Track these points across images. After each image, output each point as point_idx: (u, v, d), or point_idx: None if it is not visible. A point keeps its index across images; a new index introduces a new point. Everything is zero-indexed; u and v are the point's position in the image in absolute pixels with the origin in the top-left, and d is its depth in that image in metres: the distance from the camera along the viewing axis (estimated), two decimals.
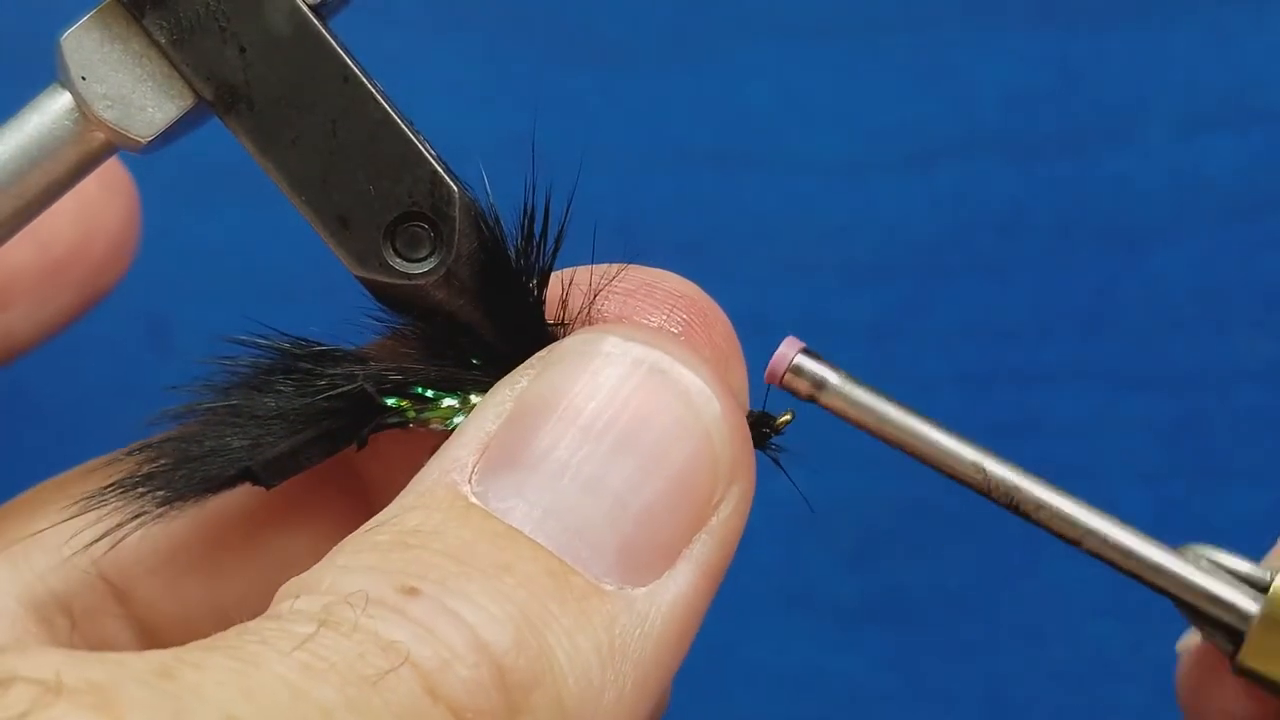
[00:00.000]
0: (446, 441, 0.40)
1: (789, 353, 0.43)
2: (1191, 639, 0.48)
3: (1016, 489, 0.42)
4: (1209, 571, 0.43)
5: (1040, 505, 0.42)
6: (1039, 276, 0.81)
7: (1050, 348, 0.81)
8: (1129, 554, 0.43)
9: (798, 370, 0.43)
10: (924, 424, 0.43)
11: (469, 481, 0.38)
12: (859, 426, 0.43)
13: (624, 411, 0.39)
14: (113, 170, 0.55)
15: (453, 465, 0.39)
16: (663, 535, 0.38)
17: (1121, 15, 0.81)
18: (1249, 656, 0.43)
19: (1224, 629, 0.43)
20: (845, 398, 0.43)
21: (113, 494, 0.41)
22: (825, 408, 0.43)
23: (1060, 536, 0.43)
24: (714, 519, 0.39)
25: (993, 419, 0.80)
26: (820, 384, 0.42)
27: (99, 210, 0.55)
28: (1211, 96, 0.81)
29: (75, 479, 0.44)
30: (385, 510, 0.39)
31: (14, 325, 0.54)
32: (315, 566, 0.36)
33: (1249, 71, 0.80)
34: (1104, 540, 0.43)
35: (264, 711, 0.32)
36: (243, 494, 0.43)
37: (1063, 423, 0.80)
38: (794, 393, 0.43)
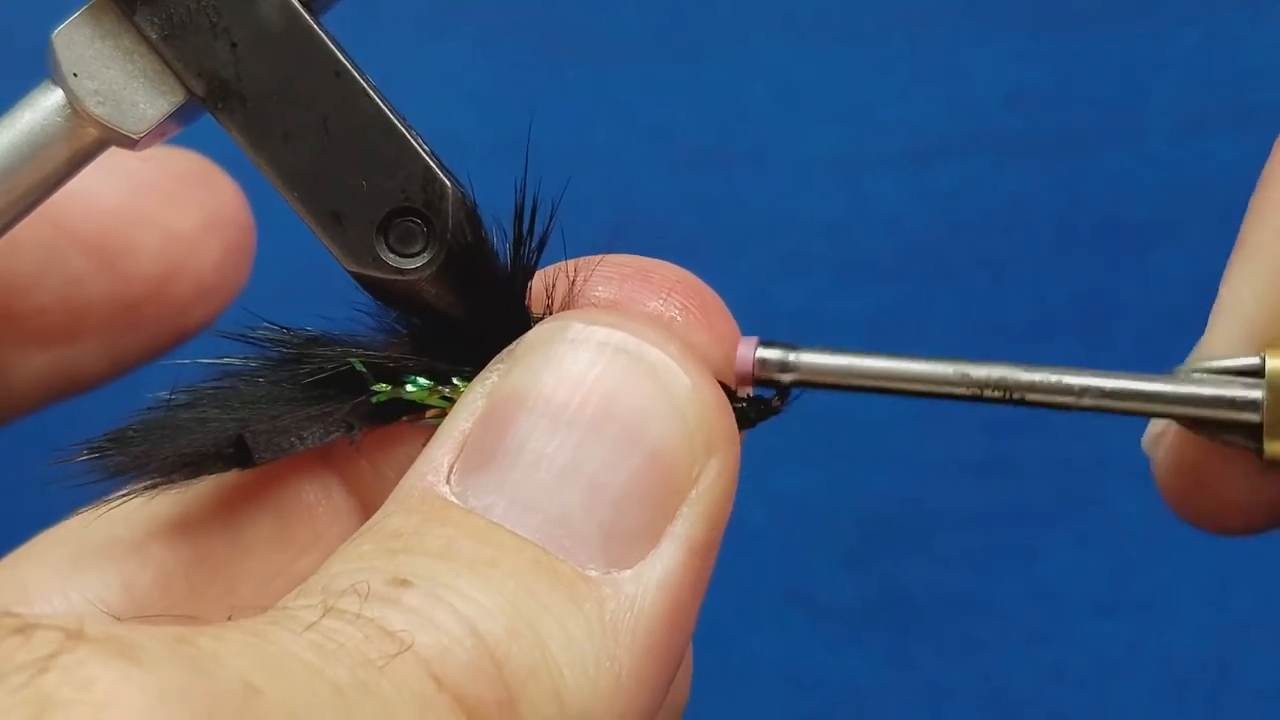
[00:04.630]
0: (425, 450, 0.39)
1: (748, 351, 0.43)
2: (1154, 431, 0.47)
3: (1003, 381, 0.43)
4: (1203, 381, 0.43)
5: (1032, 386, 0.43)
6: (1039, 276, 0.81)
7: (1050, 348, 0.81)
8: (1126, 395, 0.43)
9: (764, 364, 0.43)
10: (896, 361, 0.43)
11: (447, 482, 0.38)
12: (839, 388, 0.43)
13: (592, 396, 0.38)
14: (221, 208, 0.53)
15: (428, 467, 0.39)
16: (643, 515, 0.38)
17: (1121, 15, 0.81)
18: (1273, 438, 0.42)
19: (1240, 428, 0.43)
20: (816, 369, 0.43)
21: (97, 456, 0.41)
22: (802, 385, 0.43)
23: (1062, 407, 0.43)
24: (694, 493, 0.39)
25: (992, 418, 0.80)
26: (787, 367, 0.43)
27: (190, 248, 0.52)
28: (1211, 96, 0.80)
29: (73, 528, 0.43)
30: (368, 522, 0.39)
31: (82, 359, 0.52)
32: (308, 580, 0.36)
33: (1249, 71, 0.80)
34: (1100, 392, 0.43)
35: (281, 683, 0.32)
36: (262, 533, 0.43)
37: (1063, 423, 0.80)
38: (769, 384, 0.43)
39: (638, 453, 0.38)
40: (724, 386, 0.41)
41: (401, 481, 0.39)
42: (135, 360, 0.53)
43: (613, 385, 0.39)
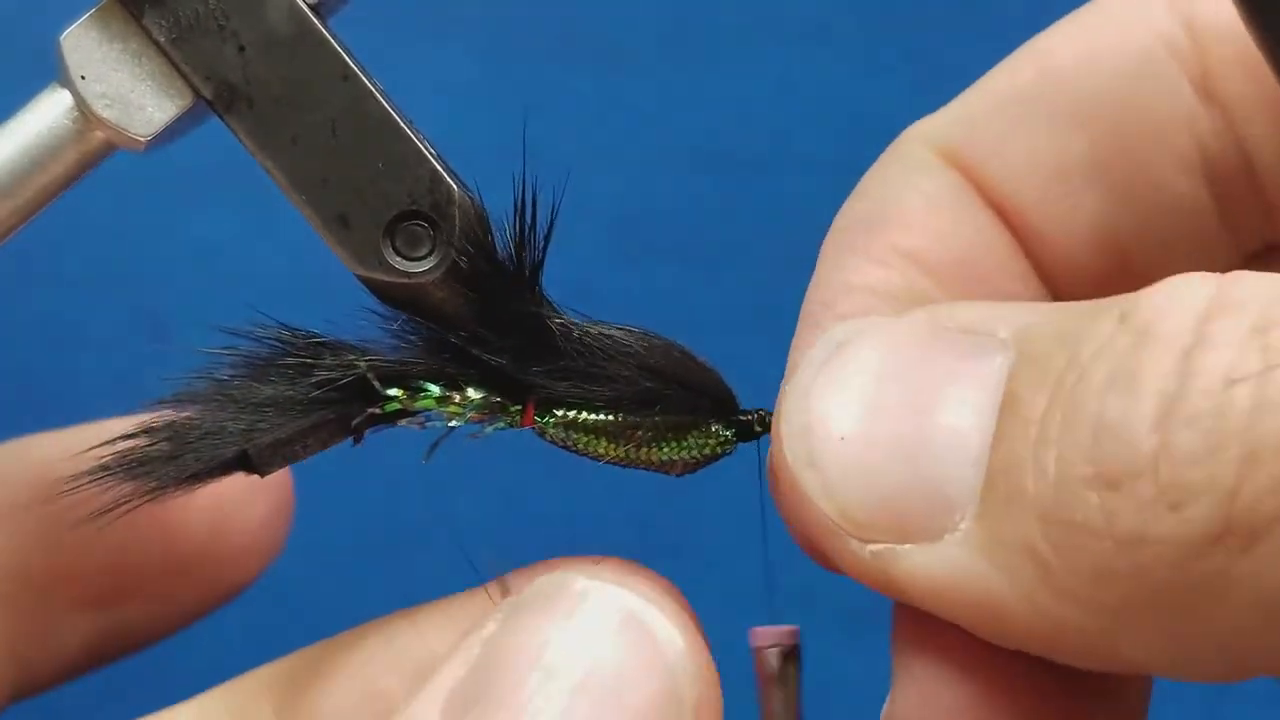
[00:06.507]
0: (414, 693, 0.39)
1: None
2: None
3: None
4: None
5: None
6: None
7: None
8: None
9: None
10: None
11: None
12: None
13: (585, 654, 0.38)
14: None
15: None
16: None
17: None
18: None
19: None
20: None
21: (105, 475, 0.41)
22: None
23: None
24: None
25: None
26: None
27: (237, 509, 0.53)
28: None
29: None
30: None
31: (130, 621, 0.52)
32: None
33: None
34: None
35: None
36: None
37: None
38: None
39: (624, 715, 0.38)
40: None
41: None
42: (181, 620, 0.53)
43: (608, 644, 0.38)
